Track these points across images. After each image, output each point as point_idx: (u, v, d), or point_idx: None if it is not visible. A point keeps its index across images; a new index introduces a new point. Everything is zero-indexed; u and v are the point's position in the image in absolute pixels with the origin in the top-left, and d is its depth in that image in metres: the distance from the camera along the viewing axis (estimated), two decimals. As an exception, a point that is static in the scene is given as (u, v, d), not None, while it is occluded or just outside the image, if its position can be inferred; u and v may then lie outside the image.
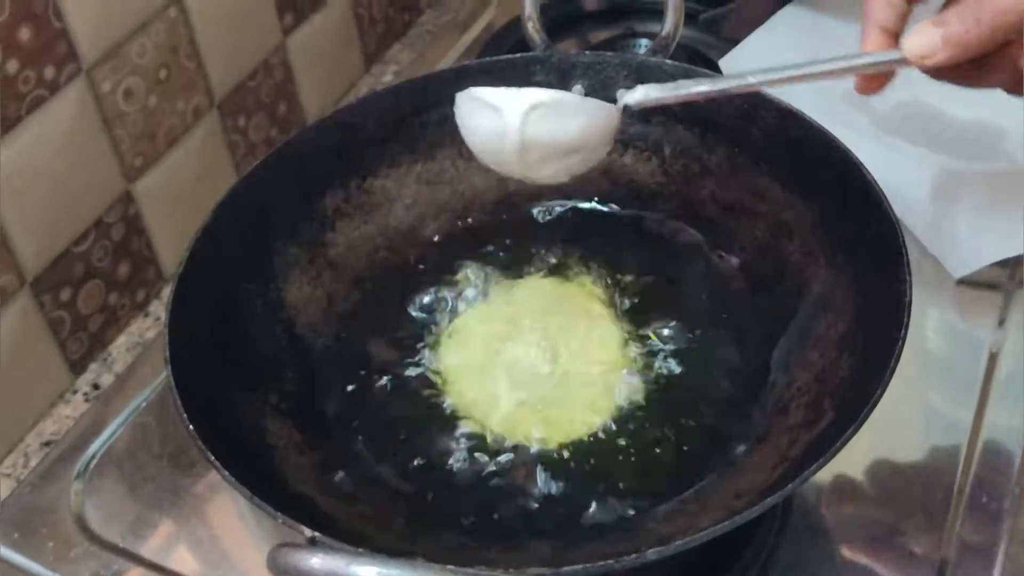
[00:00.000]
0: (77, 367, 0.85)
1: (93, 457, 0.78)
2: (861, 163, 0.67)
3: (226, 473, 0.55)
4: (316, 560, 0.46)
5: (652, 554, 0.51)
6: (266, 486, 0.57)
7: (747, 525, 0.52)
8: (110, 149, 0.82)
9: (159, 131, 0.86)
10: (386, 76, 1.12)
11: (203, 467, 0.74)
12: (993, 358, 0.76)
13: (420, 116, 0.80)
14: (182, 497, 0.75)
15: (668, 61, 0.78)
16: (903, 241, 0.63)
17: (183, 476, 0.76)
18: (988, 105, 0.87)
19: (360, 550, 0.50)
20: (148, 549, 0.72)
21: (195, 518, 0.74)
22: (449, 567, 0.49)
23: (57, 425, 0.82)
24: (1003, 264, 0.81)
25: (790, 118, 0.73)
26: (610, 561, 0.51)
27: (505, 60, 0.81)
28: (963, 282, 0.81)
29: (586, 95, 0.76)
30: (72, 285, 0.82)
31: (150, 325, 0.89)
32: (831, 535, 0.68)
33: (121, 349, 0.87)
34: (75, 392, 0.84)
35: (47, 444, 0.80)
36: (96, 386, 0.84)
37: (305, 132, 0.79)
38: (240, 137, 0.95)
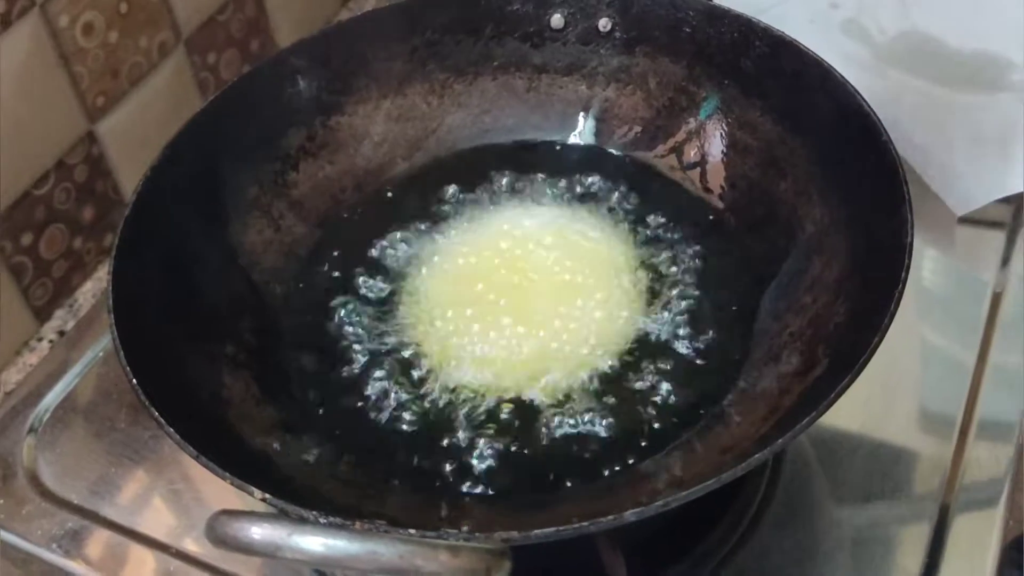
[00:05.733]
0: (42, 314, 0.83)
1: (47, 409, 0.77)
2: (860, 94, 0.66)
3: (171, 430, 0.52)
4: (256, 530, 0.43)
5: (631, 516, 0.48)
6: (218, 444, 0.54)
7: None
8: (69, 87, 0.80)
9: (122, 68, 0.84)
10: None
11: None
12: (996, 299, 0.75)
13: (388, 48, 0.77)
14: (145, 452, 0.73)
15: (661, -15, 0.76)
16: (904, 178, 0.61)
17: (146, 429, 0.74)
18: (993, 35, 0.85)
19: (311, 514, 0.47)
20: (108, 508, 0.71)
21: (159, 475, 0.72)
22: (409, 531, 0.47)
23: (21, 374, 0.80)
24: (1007, 201, 0.80)
25: (784, 48, 0.71)
26: (584, 523, 0.48)
27: (481, -13, 0.79)
28: (965, 220, 0.80)
29: (565, 25, 0.73)
30: (33, 229, 0.80)
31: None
32: (826, 486, 0.67)
33: (88, 295, 0.86)
34: (40, 339, 0.83)
35: (10, 394, 0.79)
36: (62, 333, 0.83)
37: (264, 66, 0.76)
38: (210, 75, 0.93)
